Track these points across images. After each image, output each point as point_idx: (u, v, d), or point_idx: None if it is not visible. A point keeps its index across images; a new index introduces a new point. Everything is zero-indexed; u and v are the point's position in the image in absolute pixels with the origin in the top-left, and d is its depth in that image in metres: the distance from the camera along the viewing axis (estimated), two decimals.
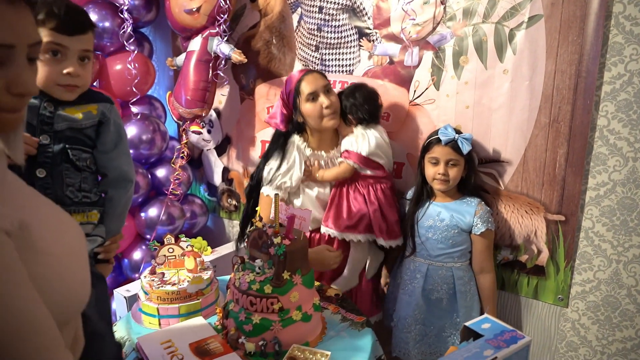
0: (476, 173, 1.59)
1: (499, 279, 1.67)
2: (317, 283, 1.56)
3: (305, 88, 1.56)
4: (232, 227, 2.52)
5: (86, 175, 1.25)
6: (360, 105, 1.60)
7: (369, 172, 1.61)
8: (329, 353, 1.18)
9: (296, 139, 1.64)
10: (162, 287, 1.38)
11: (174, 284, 1.40)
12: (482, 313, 1.58)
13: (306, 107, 1.57)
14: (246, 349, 1.23)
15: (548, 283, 1.58)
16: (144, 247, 2.19)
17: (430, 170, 1.56)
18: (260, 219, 1.60)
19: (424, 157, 1.58)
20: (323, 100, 1.55)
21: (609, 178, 1.42)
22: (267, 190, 1.63)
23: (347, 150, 1.60)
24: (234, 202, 2.46)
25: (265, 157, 1.68)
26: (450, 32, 1.59)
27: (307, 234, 1.45)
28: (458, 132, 1.53)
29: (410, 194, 1.70)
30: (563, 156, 1.47)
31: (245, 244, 1.40)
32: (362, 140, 1.58)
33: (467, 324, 1.12)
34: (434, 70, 1.65)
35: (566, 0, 1.37)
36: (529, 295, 1.62)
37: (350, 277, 1.68)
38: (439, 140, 1.52)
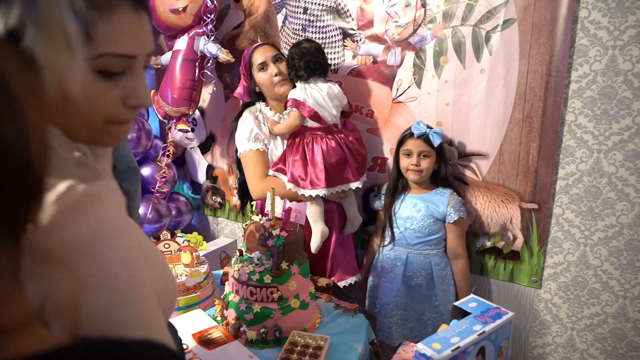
0: (447, 165, 1.70)
1: (478, 265, 1.79)
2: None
3: (256, 59, 1.69)
4: (217, 224, 2.55)
5: None
6: (297, 65, 1.65)
7: (315, 125, 1.64)
8: (327, 337, 1.25)
9: (260, 104, 1.77)
10: None
11: None
12: (457, 295, 1.70)
13: (259, 76, 1.70)
14: (248, 337, 1.28)
15: (523, 267, 1.70)
16: None
17: (404, 162, 1.66)
18: (257, 213, 1.66)
19: (399, 151, 1.69)
20: (272, 68, 1.66)
21: (577, 168, 1.55)
22: (245, 146, 1.69)
23: (291, 99, 1.64)
24: (218, 200, 2.49)
25: (235, 119, 1.79)
26: (431, 34, 1.69)
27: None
28: (429, 127, 1.64)
29: (385, 189, 1.80)
30: (535, 149, 1.59)
31: (243, 237, 1.46)
32: (304, 94, 1.64)
33: (456, 303, 1.22)
34: (416, 70, 1.75)
35: (537, 5, 1.49)
36: (506, 279, 1.75)
37: (317, 228, 1.70)
38: (412, 134, 1.63)
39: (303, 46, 1.66)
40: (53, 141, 0.52)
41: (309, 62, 1.63)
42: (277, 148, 1.71)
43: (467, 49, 1.63)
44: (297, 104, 1.62)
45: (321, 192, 1.60)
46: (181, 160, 2.56)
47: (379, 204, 1.82)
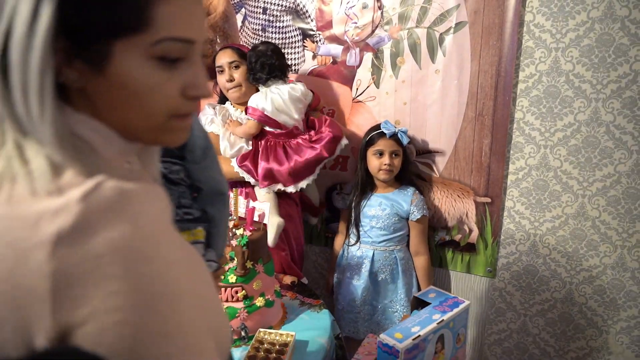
0: (411, 163, 1.76)
1: (437, 258, 1.86)
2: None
3: (217, 61, 1.72)
4: None
5: (183, 189, 1.05)
6: (254, 68, 1.66)
7: (271, 130, 1.67)
8: (293, 333, 1.27)
9: (227, 103, 1.80)
10: None
11: None
12: (419, 288, 1.76)
13: (218, 79, 1.74)
14: None
15: (478, 258, 1.79)
16: None
17: (375, 162, 1.69)
18: None
19: (366, 151, 1.72)
20: (225, 74, 1.70)
21: (526, 163, 1.64)
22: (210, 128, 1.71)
23: (250, 107, 1.66)
24: None
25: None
26: (388, 35, 1.74)
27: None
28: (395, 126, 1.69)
29: (349, 188, 1.83)
30: (488, 145, 1.67)
31: None
32: (264, 99, 1.65)
33: (416, 294, 1.27)
34: (374, 70, 1.79)
35: (486, 9, 1.57)
36: (463, 270, 1.82)
37: (274, 220, 1.70)
38: (382, 134, 1.67)
39: (259, 49, 1.67)
40: (105, 150, 0.47)
41: (264, 64, 1.64)
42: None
43: (422, 50, 1.69)
44: (255, 113, 1.64)
45: (283, 187, 1.64)
46: None
47: (342, 203, 1.85)
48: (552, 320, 1.73)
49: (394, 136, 1.66)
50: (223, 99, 1.85)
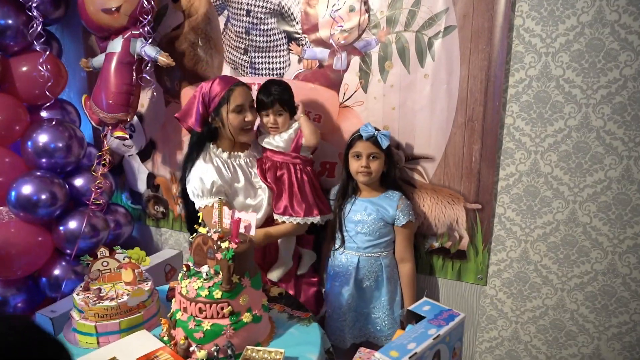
0: (395, 167, 1.72)
1: (427, 266, 1.82)
2: None
3: (236, 99, 1.59)
4: (160, 235, 2.42)
5: None
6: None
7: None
8: (283, 350, 1.21)
9: (211, 147, 1.65)
10: (99, 303, 1.31)
11: (112, 299, 1.33)
12: (402, 295, 1.73)
13: (231, 117, 1.59)
14: (198, 356, 1.21)
15: (469, 265, 1.76)
16: (63, 263, 2.03)
17: (354, 165, 1.66)
18: (204, 225, 1.58)
19: (348, 154, 1.68)
20: (248, 115, 1.61)
21: (516, 169, 1.62)
22: (206, 201, 1.58)
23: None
24: (161, 209, 2.37)
25: (187, 160, 1.65)
26: (375, 39, 1.70)
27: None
28: (377, 129, 1.65)
29: (334, 193, 1.79)
30: (478, 151, 1.64)
31: (189, 251, 1.38)
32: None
33: (410, 308, 1.22)
34: (362, 74, 1.75)
35: (476, 13, 1.54)
36: (454, 278, 1.79)
37: (286, 259, 1.72)
38: (360, 137, 1.63)
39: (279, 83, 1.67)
40: None
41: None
42: (240, 181, 1.64)
43: (411, 54, 1.66)
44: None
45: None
46: (119, 168, 2.41)
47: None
48: (543, 328, 1.71)
49: (373, 139, 1.62)
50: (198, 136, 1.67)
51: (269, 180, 1.64)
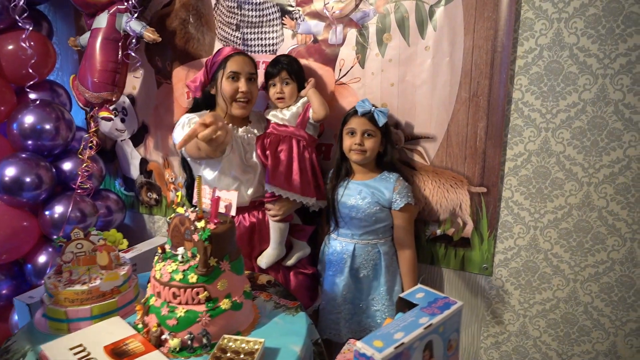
0: (394, 148, 1.60)
1: (428, 254, 1.70)
2: (247, 272, 1.49)
3: (232, 65, 1.55)
4: (153, 222, 2.35)
5: None
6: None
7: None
8: (262, 340, 1.11)
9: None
10: (70, 287, 1.22)
11: (84, 283, 1.24)
12: (403, 287, 1.61)
13: (224, 83, 1.55)
14: (171, 345, 1.12)
15: (473, 254, 1.63)
16: (50, 249, 1.96)
17: (347, 142, 1.55)
18: (182, 205, 1.48)
19: (342, 131, 1.57)
20: (242, 84, 1.55)
21: (525, 148, 1.49)
22: None
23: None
24: (154, 196, 2.29)
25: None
26: (373, 9, 1.58)
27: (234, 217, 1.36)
28: (374, 106, 1.54)
29: (330, 177, 1.68)
30: (483, 129, 1.51)
31: (167, 233, 1.29)
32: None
33: (401, 295, 1.11)
34: (359, 48, 1.64)
35: None
36: (457, 267, 1.67)
37: (276, 246, 1.63)
38: (355, 112, 1.52)
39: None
40: None
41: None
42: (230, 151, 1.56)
43: (410, 24, 1.54)
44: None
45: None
46: (111, 154, 2.34)
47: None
48: (554, 322, 1.58)
49: (369, 115, 1.51)
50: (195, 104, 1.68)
51: (268, 154, 1.56)
